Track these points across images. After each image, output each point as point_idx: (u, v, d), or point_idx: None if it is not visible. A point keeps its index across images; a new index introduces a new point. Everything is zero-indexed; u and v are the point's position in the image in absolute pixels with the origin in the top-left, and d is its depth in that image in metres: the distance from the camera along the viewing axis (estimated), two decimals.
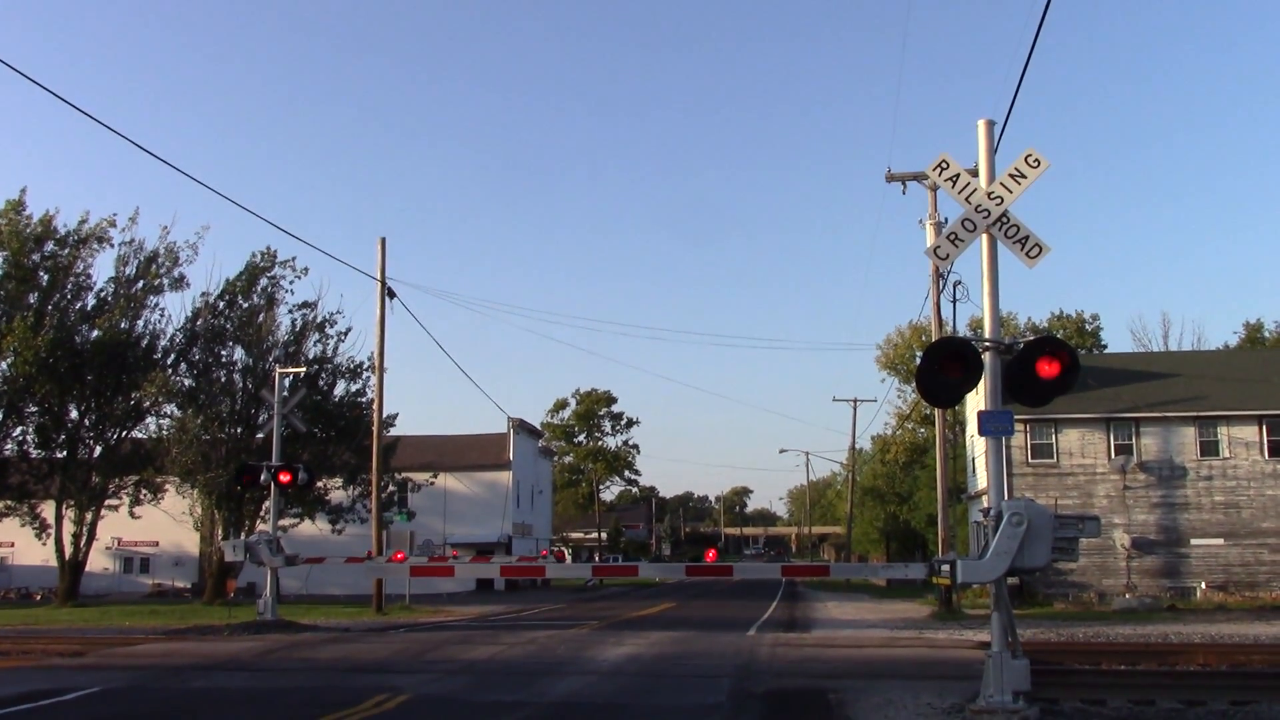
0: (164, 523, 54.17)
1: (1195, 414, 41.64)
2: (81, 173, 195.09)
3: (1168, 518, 41.04)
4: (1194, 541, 40.80)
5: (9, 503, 48.25)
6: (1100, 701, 13.18)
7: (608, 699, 14.49)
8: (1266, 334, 75.08)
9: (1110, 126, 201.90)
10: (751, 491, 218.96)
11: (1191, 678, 14.70)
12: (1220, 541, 40.69)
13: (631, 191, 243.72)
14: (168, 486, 49.35)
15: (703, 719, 12.35)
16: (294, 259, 50.15)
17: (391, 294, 39.26)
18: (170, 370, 48.27)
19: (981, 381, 12.72)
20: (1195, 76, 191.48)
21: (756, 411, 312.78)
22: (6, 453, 48.56)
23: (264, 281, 49.73)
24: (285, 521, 44.17)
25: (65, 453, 48.11)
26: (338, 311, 52.42)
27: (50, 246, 46.91)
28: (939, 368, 12.61)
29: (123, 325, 47.37)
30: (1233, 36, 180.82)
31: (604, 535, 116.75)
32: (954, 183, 13.33)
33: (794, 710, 13.36)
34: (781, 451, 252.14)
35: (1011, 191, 13.01)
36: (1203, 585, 40.23)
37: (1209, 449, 41.42)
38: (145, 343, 48.62)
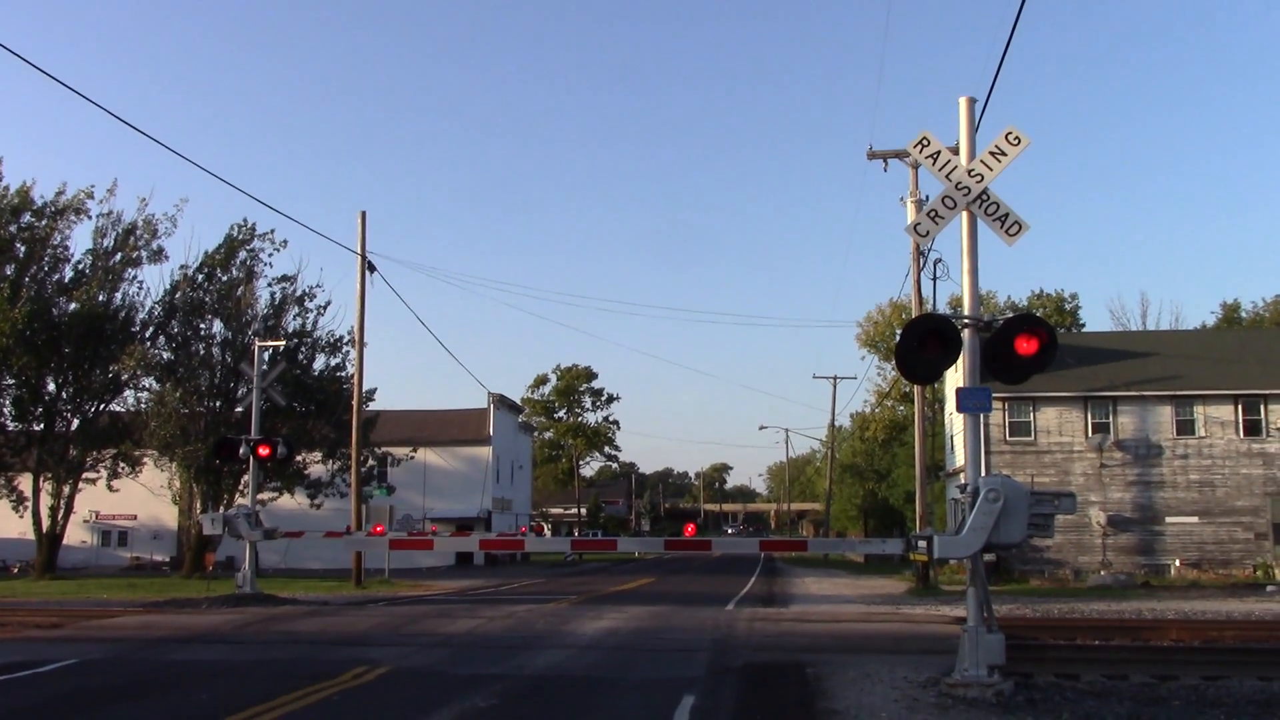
0: (142, 496, 54.07)
1: (1172, 393, 41.93)
2: (57, 144, 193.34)
3: (1143, 496, 41.37)
4: (1169, 519, 41.16)
5: None
6: (1074, 676, 13.30)
7: (586, 672, 14.54)
8: (1244, 314, 75.66)
9: (1091, 106, 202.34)
10: (731, 468, 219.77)
11: (1164, 653, 14.83)
12: (1195, 519, 41.05)
13: (612, 168, 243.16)
14: (146, 460, 49.18)
15: (680, 692, 12.39)
16: (272, 232, 50.01)
17: (372, 268, 39.16)
18: (148, 343, 48.06)
19: (960, 359, 12.76)
20: (1175, 57, 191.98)
21: (736, 388, 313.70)
22: None
23: (243, 254, 49.48)
24: (264, 495, 44.12)
25: (42, 425, 47.89)
26: (317, 285, 52.33)
27: (27, 218, 46.53)
28: (918, 345, 12.62)
29: (100, 298, 47.08)
30: (1213, 18, 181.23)
31: (584, 511, 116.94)
32: (935, 160, 13.33)
33: (771, 684, 13.43)
34: (761, 428, 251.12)
35: (992, 169, 13.02)
36: (1177, 563, 40.60)
37: (1185, 428, 41.75)
38: (123, 315, 48.35)
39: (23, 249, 46.34)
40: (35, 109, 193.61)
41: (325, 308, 50.62)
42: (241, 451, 29.79)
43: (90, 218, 47.70)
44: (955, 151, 13.46)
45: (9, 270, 45.58)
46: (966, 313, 12.94)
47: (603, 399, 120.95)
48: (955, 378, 14.97)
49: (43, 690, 13.00)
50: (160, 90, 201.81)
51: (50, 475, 46.83)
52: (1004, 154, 13.06)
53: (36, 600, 30.13)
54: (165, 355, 48.51)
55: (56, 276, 47.63)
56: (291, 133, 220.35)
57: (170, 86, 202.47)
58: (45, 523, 46.44)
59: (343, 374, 50.21)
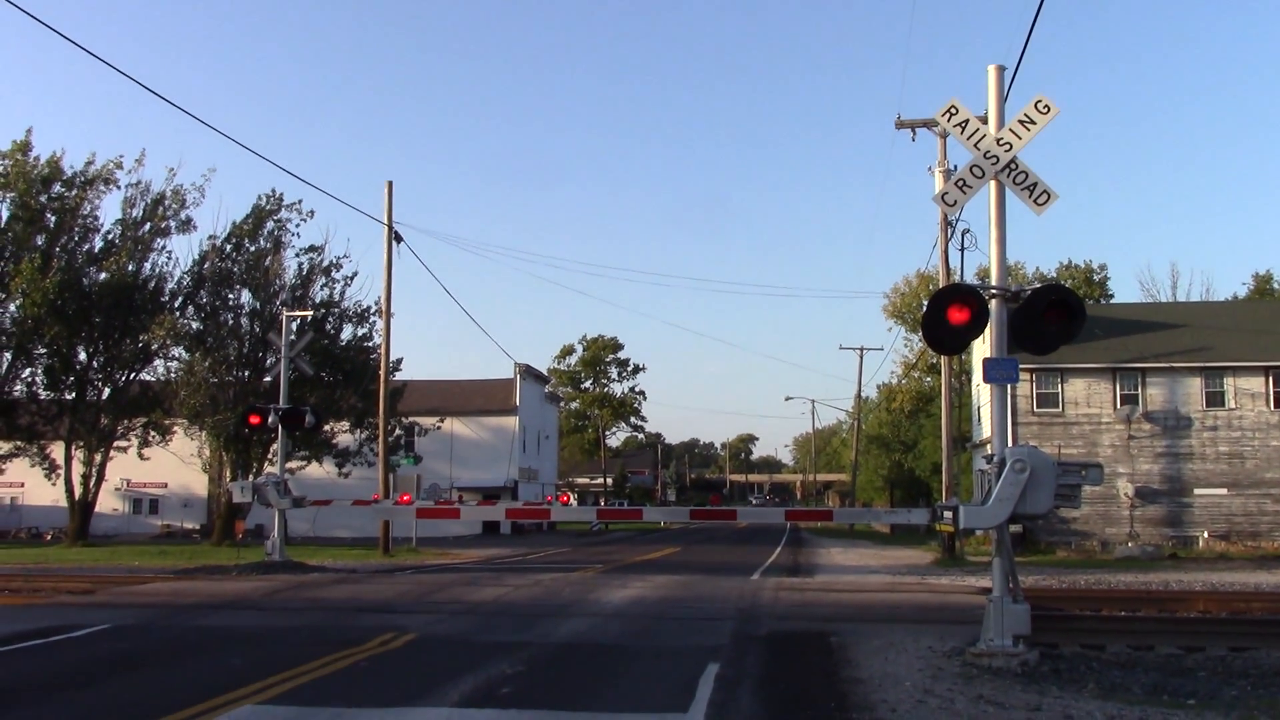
0: (172, 464, 54.61)
1: (1201, 365, 41.62)
2: (86, 114, 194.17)
3: (1172, 467, 41.14)
4: (1197, 491, 40.94)
5: (19, 443, 48.63)
6: (1099, 646, 13.29)
7: (611, 640, 14.60)
8: (1276, 285, 74.80)
9: (1121, 74, 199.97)
10: (757, 439, 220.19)
11: (1191, 624, 14.79)
12: (1223, 491, 40.82)
13: (640, 140, 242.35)
14: (176, 428, 49.66)
15: (706, 660, 12.44)
16: (300, 202, 50.26)
17: (398, 238, 39.22)
18: (178, 313, 48.41)
19: (987, 329, 12.68)
20: (1207, 26, 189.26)
21: (763, 359, 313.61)
22: (16, 394, 48.86)
23: (270, 225, 49.73)
24: (293, 464, 44.45)
25: (74, 394, 48.37)
26: (344, 255, 52.50)
27: (57, 188, 46.87)
28: (945, 315, 12.52)
29: (130, 268, 47.45)
30: None
31: (610, 481, 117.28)
32: (963, 129, 13.22)
33: (796, 653, 13.46)
34: (787, 399, 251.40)
35: (1021, 138, 12.91)
36: (1205, 534, 40.42)
37: (1214, 400, 41.45)
38: (152, 285, 48.73)
39: (53, 219, 46.70)
40: (64, 79, 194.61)
41: (352, 278, 51.02)
42: (270, 420, 30.01)
43: (119, 188, 48.11)
44: (984, 120, 13.35)
45: (39, 240, 45.97)
46: (994, 283, 12.86)
47: (629, 369, 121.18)
48: (982, 348, 14.90)
49: (77, 654, 13.19)
50: (188, 61, 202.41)
51: (82, 444, 47.36)
52: (1033, 123, 12.94)
53: (70, 567, 30.51)
54: (194, 325, 48.87)
55: (86, 246, 48.01)
56: (319, 104, 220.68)
57: (197, 57, 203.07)
58: (77, 491, 47.01)
59: (370, 344, 50.49)
